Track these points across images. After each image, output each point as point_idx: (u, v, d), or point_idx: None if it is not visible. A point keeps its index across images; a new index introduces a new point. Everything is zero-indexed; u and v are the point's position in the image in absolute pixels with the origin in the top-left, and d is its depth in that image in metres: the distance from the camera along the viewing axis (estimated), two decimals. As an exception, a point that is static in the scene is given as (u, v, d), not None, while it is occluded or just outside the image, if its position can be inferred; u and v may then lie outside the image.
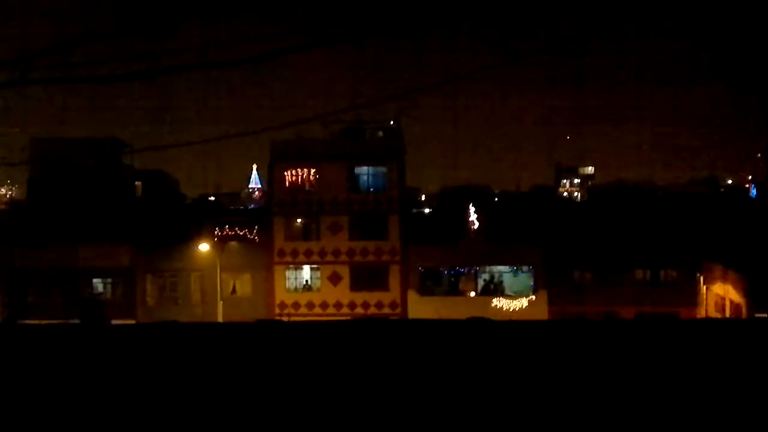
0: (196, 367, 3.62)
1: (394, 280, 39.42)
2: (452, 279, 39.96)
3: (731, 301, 36.69)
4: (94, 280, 40.62)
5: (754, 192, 54.44)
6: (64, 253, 39.27)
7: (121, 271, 40.29)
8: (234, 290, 40.80)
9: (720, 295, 38.23)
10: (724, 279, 37.81)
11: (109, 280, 40.75)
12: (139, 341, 4.03)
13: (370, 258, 39.64)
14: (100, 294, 40.75)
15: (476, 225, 54.72)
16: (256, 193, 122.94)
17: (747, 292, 35.20)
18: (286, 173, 40.41)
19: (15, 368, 3.46)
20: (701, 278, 39.93)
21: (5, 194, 44.19)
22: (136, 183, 46.47)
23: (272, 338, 4.03)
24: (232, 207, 76.84)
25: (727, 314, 36.66)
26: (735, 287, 36.64)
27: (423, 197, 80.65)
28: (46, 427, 2.82)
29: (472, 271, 39.78)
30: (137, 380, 3.39)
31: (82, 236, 39.69)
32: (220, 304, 39.74)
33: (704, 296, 39.65)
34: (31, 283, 39.50)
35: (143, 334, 4.12)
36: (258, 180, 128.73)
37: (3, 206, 44.49)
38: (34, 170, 43.52)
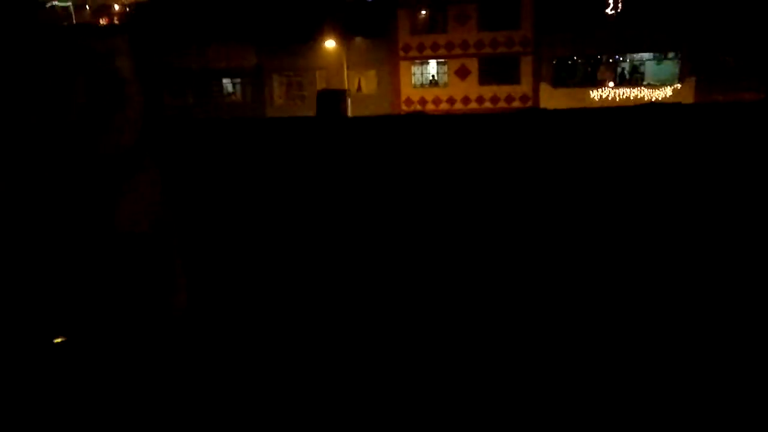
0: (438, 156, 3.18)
1: (526, 72, 37.64)
2: (588, 69, 37.71)
3: None
4: (224, 80, 41.26)
5: None
6: (193, 55, 39.71)
7: (248, 72, 40.62)
8: (359, 87, 40.39)
9: None
10: None
11: (238, 80, 41.26)
12: (380, 133, 3.56)
13: (501, 49, 37.73)
14: (231, 94, 41.51)
15: (614, 9, 50.68)
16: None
17: None
18: (408, -40, 38.09)
19: (268, 163, 3.10)
20: None
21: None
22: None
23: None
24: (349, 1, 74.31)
25: None
26: None
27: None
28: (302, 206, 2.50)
29: (611, 60, 37.30)
30: (380, 172, 3.01)
31: (207, 37, 39.74)
32: (348, 101, 39.62)
33: None
34: (165, 84, 40.48)
35: (384, 126, 3.61)
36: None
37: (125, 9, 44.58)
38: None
